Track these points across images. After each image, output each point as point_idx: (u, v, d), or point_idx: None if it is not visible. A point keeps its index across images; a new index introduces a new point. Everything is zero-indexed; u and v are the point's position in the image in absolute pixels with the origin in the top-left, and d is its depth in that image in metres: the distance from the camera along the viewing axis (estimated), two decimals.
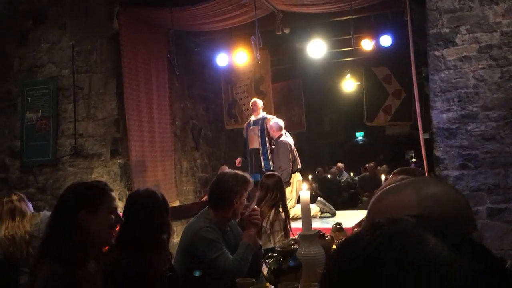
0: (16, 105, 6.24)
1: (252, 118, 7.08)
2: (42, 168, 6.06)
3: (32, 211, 3.93)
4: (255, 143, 6.96)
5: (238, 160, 7.14)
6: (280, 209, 3.95)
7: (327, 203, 6.39)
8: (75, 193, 1.91)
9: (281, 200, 3.94)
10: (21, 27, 6.25)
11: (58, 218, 1.84)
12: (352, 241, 0.54)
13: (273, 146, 6.78)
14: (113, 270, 2.04)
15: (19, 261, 3.63)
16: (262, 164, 6.86)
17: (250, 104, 7.22)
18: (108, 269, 1.98)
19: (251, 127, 7.02)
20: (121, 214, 4.25)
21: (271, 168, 6.58)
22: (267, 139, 6.88)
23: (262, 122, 6.95)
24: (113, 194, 1.99)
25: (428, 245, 0.49)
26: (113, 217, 1.93)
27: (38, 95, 6.12)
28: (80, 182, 2.04)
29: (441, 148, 4.67)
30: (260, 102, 7.13)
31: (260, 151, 6.90)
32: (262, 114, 7.04)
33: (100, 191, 1.93)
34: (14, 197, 3.79)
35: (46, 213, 3.68)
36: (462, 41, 4.66)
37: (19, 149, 6.15)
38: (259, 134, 6.93)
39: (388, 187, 0.95)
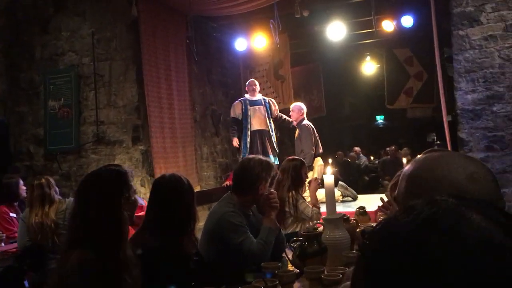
0: (39, 94, 6.33)
1: (248, 97, 6.68)
2: (66, 155, 6.16)
3: (59, 195, 4.00)
4: (262, 124, 6.60)
5: (236, 140, 6.56)
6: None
7: (348, 187, 6.35)
8: (109, 179, 1.90)
9: (296, 184, 3.91)
10: (42, 15, 6.31)
11: (93, 206, 1.83)
12: (390, 225, 0.51)
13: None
14: (144, 250, 2.07)
15: (45, 248, 3.71)
16: (271, 147, 6.60)
17: (248, 83, 6.80)
18: (141, 251, 2.00)
19: (252, 107, 6.61)
20: (145, 200, 4.29)
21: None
22: (272, 120, 6.68)
23: (266, 103, 6.71)
24: None
25: (475, 224, 0.47)
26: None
27: (60, 83, 6.19)
28: (102, 169, 2.03)
29: (466, 130, 4.59)
30: (257, 83, 6.86)
31: (270, 133, 6.63)
32: (259, 95, 6.77)
33: (127, 176, 1.95)
34: (43, 181, 3.86)
35: (72, 201, 3.74)
36: (487, 19, 4.55)
37: (43, 137, 6.25)
38: (266, 114, 6.63)
39: (426, 159, 0.92)
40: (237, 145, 6.56)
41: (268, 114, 6.65)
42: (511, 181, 4.41)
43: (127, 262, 1.83)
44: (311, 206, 3.90)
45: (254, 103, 6.64)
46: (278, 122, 6.87)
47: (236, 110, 6.61)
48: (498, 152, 4.48)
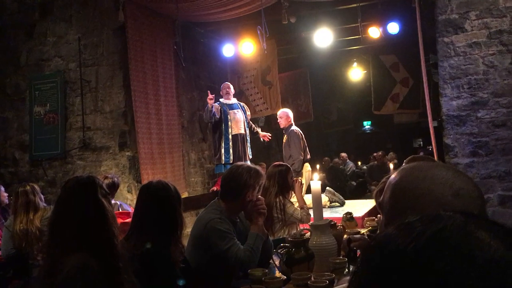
0: (25, 99, 6.27)
1: (223, 101, 6.52)
2: (51, 161, 6.09)
3: (44, 203, 3.96)
4: (241, 128, 6.49)
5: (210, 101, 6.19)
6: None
7: (336, 193, 6.37)
8: (94, 184, 1.91)
9: (282, 189, 3.91)
10: (28, 20, 6.26)
11: (81, 209, 1.83)
12: (390, 244, 0.48)
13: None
14: (134, 254, 2.06)
15: (30, 255, 3.67)
16: (248, 151, 6.55)
17: (222, 86, 6.66)
18: (130, 254, 2.00)
19: (231, 111, 6.49)
20: (131, 207, 4.26)
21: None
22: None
23: (242, 107, 6.68)
24: None
25: (485, 243, 0.45)
26: None
27: (46, 89, 6.13)
28: (84, 176, 2.04)
29: (451, 136, 4.64)
30: (232, 86, 6.80)
31: (246, 138, 6.57)
32: (234, 98, 6.70)
33: (99, 179, 1.97)
34: (28, 188, 3.82)
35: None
36: (472, 27, 4.61)
37: (28, 143, 6.18)
38: (243, 119, 6.56)
39: (412, 171, 0.92)
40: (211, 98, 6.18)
41: (245, 118, 6.63)
42: (495, 187, 4.46)
43: (122, 260, 1.83)
44: (299, 208, 3.91)
45: (231, 107, 6.59)
46: (248, 127, 6.83)
47: (210, 114, 6.33)
48: (483, 158, 4.54)
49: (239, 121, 6.53)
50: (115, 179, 4.36)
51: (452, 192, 0.84)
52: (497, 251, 0.44)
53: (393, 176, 0.93)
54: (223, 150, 6.39)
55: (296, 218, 3.86)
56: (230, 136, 6.40)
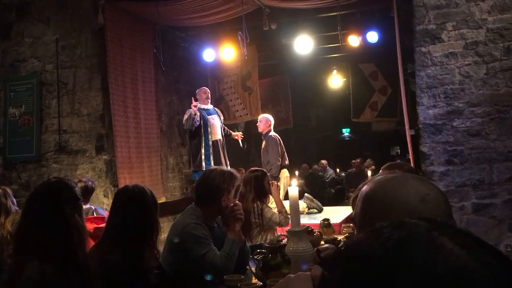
0: None
1: (202, 106, 6.42)
2: (26, 164, 5.97)
3: (16, 206, 3.87)
4: (219, 134, 6.43)
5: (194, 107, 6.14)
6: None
7: (314, 199, 6.39)
8: (59, 191, 1.87)
9: (259, 194, 3.92)
10: (4, 20, 6.14)
11: (44, 217, 1.79)
12: (357, 249, 0.49)
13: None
14: (103, 262, 2.02)
15: (0, 259, 3.58)
16: (224, 158, 6.45)
17: (199, 91, 6.56)
18: (99, 262, 1.95)
19: (209, 116, 6.42)
20: (107, 211, 4.19)
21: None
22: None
23: (217, 112, 6.67)
24: None
25: (447, 250, 0.45)
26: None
27: (21, 90, 6.02)
28: (52, 181, 2.00)
29: (427, 144, 4.71)
30: (209, 91, 6.74)
31: (224, 144, 6.54)
32: (210, 104, 6.65)
33: (70, 184, 1.92)
34: (0, 191, 3.73)
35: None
36: (448, 37, 4.70)
37: (2, 145, 6.04)
38: (220, 124, 6.53)
39: (380, 181, 0.95)
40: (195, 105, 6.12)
41: (221, 123, 6.61)
42: (470, 195, 4.53)
43: (86, 268, 1.79)
44: (277, 212, 3.91)
45: (209, 112, 6.53)
46: (224, 132, 6.77)
47: (191, 119, 6.20)
48: (458, 166, 4.61)
49: (216, 126, 6.47)
50: (89, 183, 4.28)
51: (418, 198, 0.88)
52: (460, 258, 0.44)
53: (363, 188, 0.96)
54: (203, 157, 6.28)
55: (274, 221, 3.86)
56: (210, 142, 6.33)
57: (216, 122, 6.49)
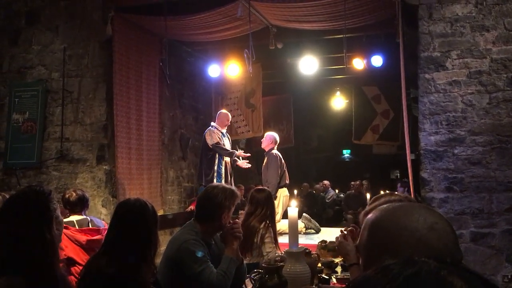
0: (3, 106, 6.16)
1: (219, 127, 6.70)
2: (26, 170, 5.97)
3: None
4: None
5: (241, 153, 6.69)
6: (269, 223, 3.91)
7: (312, 219, 6.38)
8: (37, 204, 1.84)
9: (271, 215, 3.90)
10: (14, 26, 6.21)
11: (12, 230, 1.75)
12: (366, 285, 0.49)
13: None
14: (99, 275, 2.01)
15: None
16: (230, 177, 6.66)
17: (223, 115, 6.79)
18: (93, 275, 1.94)
19: (224, 138, 6.75)
20: (105, 222, 4.15)
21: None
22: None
23: (227, 135, 6.87)
24: None
25: None
26: None
27: (26, 97, 6.05)
28: (23, 189, 1.95)
29: (428, 170, 4.71)
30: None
31: (230, 164, 6.72)
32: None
33: (50, 195, 1.89)
34: None
35: None
36: (453, 65, 4.74)
37: (3, 150, 6.05)
38: (230, 146, 6.75)
39: (388, 209, 0.94)
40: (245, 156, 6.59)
41: (230, 145, 6.77)
42: (468, 223, 4.53)
43: (59, 284, 1.76)
44: (276, 252, 3.73)
45: (224, 135, 6.73)
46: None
47: (214, 138, 6.49)
48: (458, 194, 4.61)
49: (228, 148, 6.68)
50: (81, 194, 4.10)
51: (427, 226, 0.87)
52: None
53: (369, 216, 0.96)
54: (215, 174, 6.44)
55: (264, 252, 3.74)
56: (223, 162, 6.54)
57: (228, 144, 6.69)
